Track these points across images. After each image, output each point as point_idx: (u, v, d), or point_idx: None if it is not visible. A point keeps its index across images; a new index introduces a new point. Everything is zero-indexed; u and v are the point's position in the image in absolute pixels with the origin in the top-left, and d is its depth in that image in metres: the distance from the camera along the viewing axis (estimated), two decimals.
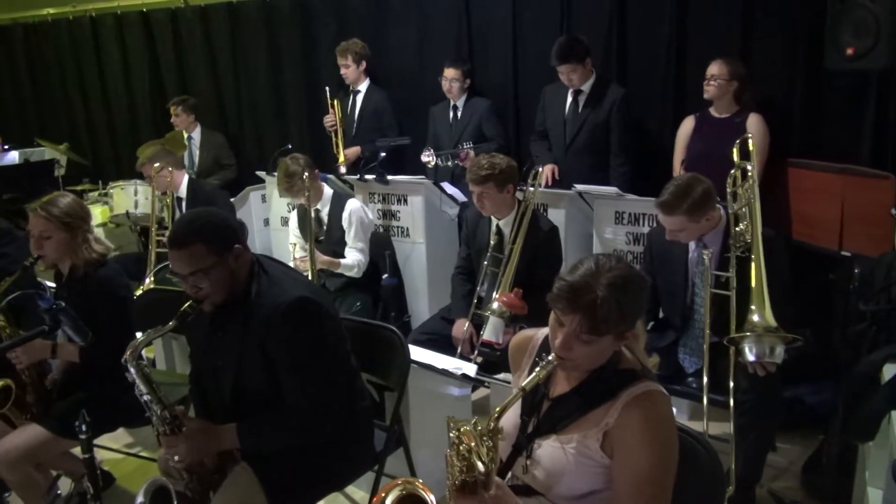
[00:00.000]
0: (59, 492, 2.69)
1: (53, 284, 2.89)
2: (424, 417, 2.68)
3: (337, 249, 3.57)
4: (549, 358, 1.53)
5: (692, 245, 2.62)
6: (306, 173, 3.44)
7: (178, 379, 3.04)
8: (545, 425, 1.60)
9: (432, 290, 3.89)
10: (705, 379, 2.43)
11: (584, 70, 3.71)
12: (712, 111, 3.49)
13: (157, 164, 3.99)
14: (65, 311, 1.55)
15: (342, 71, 4.46)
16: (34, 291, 1.60)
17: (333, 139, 4.56)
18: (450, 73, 4.17)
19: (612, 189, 3.45)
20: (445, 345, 3.06)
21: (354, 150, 4.50)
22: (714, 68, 3.38)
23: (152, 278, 3.93)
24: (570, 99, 3.83)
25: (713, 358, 2.45)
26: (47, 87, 6.67)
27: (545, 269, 3.04)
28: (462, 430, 1.44)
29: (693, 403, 2.98)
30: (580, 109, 3.80)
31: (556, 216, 3.51)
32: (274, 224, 4.56)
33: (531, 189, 3.19)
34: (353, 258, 3.55)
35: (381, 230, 3.89)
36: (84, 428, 2.12)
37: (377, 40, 4.62)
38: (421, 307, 3.91)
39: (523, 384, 1.52)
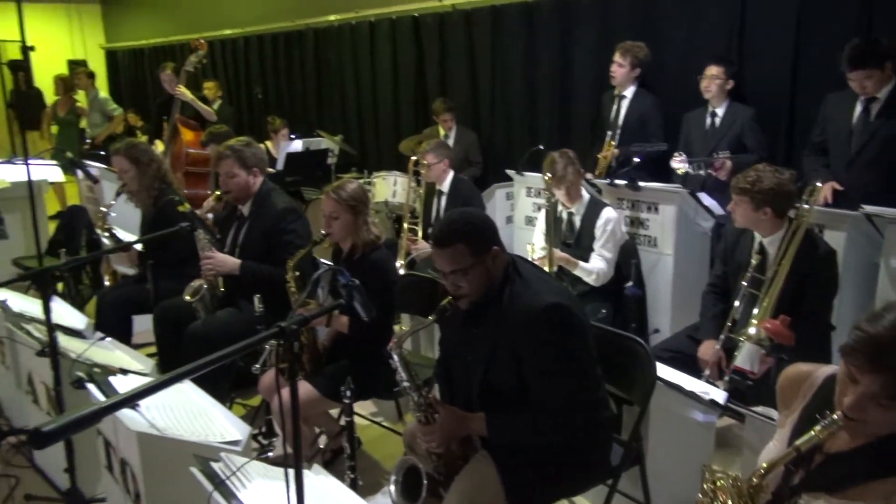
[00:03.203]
0: (320, 446, 3.02)
1: (327, 262, 3.25)
2: (663, 438, 2.55)
3: (584, 256, 3.52)
4: (835, 417, 1.33)
5: None
6: (570, 168, 3.44)
7: (422, 361, 3.24)
8: (817, 481, 1.40)
9: (676, 306, 3.69)
10: None
11: (881, 75, 3.25)
12: None
13: (435, 155, 4.27)
14: (357, 289, 1.73)
15: (612, 68, 4.31)
16: (337, 268, 1.80)
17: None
18: (712, 70, 3.91)
19: None
20: (689, 365, 2.88)
21: (615, 153, 4.38)
22: None
23: (403, 263, 4.24)
24: (859, 108, 3.38)
25: None
26: (328, 84, 7.52)
27: (816, 297, 2.75)
28: (718, 483, 1.32)
29: None
30: (872, 119, 3.34)
31: (835, 239, 3.11)
32: (518, 222, 4.66)
33: (805, 206, 2.87)
34: (596, 265, 3.48)
35: (627, 237, 3.77)
36: (349, 394, 2.36)
37: (640, 40, 4.47)
38: (662, 322, 3.73)
39: (798, 443, 1.35)
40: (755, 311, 2.74)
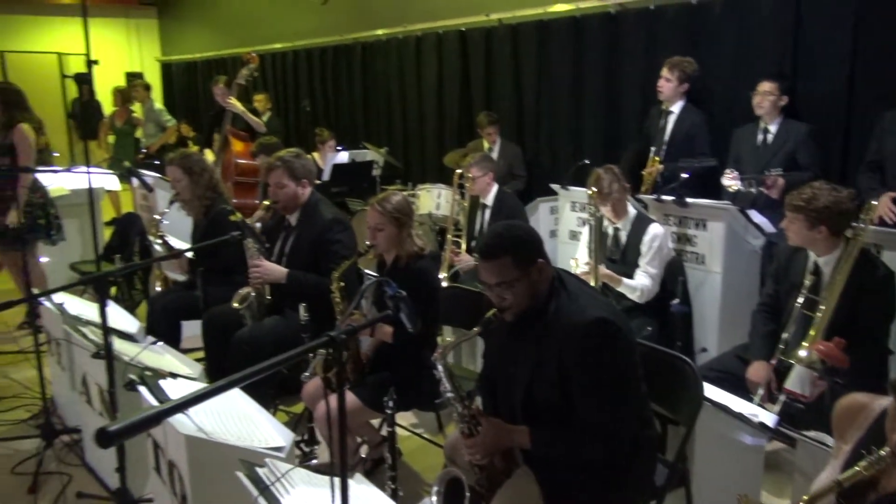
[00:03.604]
0: (363, 455, 3.04)
1: (372, 272, 3.28)
2: (710, 460, 2.50)
3: (629, 273, 3.47)
4: (882, 454, 1.29)
5: None
6: (615, 185, 3.41)
7: (464, 373, 3.24)
8: None
9: (724, 325, 3.60)
10: None
11: None
12: None
13: (479, 169, 4.29)
14: (404, 300, 1.75)
15: (660, 83, 4.29)
16: (384, 279, 1.82)
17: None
18: (765, 86, 3.84)
19: None
20: (736, 385, 2.82)
21: (658, 169, 4.32)
22: None
23: (446, 275, 4.25)
24: None
25: None
26: (375, 97, 7.61)
27: (872, 320, 2.68)
28: None
29: None
30: None
31: (893, 260, 3.01)
32: (562, 237, 4.63)
33: (861, 226, 2.79)
34: (641, 282, 3.43)
35: (674, 254, 3.71)
36: (391, 405, 2.38)
37: (688, 55, 4.41)
38: (710, 341, 3.65)
39: (840, 478, 1.30)
40: (811, 332, 2.67)
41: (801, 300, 2.78)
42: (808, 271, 2.81)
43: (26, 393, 3.75)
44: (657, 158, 4.29)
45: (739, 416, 2.41)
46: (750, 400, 2.67)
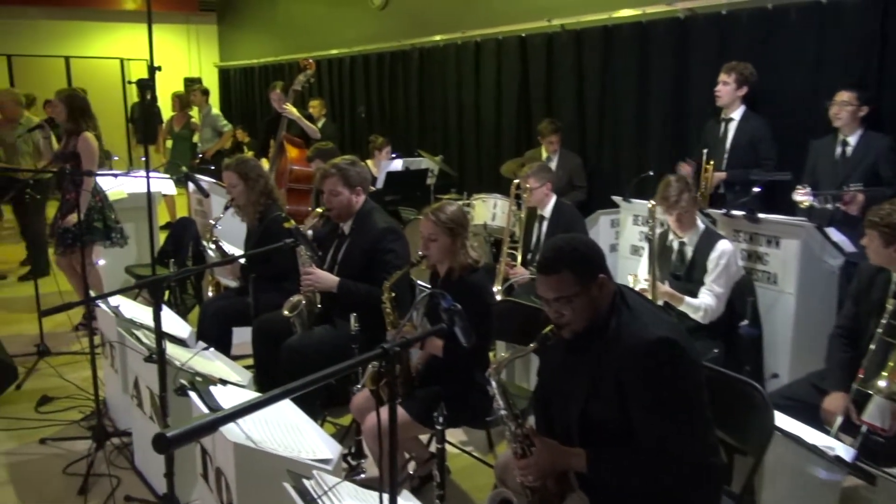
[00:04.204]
0: (410, 472, 2.96)
1: (424, 284, 3.21)
2: (779, 494, 2.35)
3: (694, 290, 3.30)
4: None
5: None
6: (685, 195, 3.26)
7: (516, 391, 3.13)
8: None
9: (797, 350, 3.39)
10: None
11: None
12: None
13: (537, 179, 4.18)
14: (459, 314, 1.68)
15: (717, 88, 4.15)
16: (440, 292, 1.75)
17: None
18: (843, 96, 3.64)
19: None
20: (810, 416, 2.64)
21: (720, 176, 4.15)
22: None
23: (500, 288, 4.15)
24: None
25: None
26: (431, 104, 7.57)
27: None
28: None
29: None
30: None
31: None
32: (622, 251, 4.48)
33: None
34: (705, 301, 3.25)
35: (743, 272, 3.52)
36: (441, 420, 2.30)
37: (762, 62, 4.22)
38: (781, 366, 3.44)
39: None
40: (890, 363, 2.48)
41: (882, 326, 2.58)
42: (890, 295, 2.62)
43: (80, 394, 3.81)
44: (711, 164, 4.12)
45: (814, 449, 2.25)
46: (825, 432, 2.50)
